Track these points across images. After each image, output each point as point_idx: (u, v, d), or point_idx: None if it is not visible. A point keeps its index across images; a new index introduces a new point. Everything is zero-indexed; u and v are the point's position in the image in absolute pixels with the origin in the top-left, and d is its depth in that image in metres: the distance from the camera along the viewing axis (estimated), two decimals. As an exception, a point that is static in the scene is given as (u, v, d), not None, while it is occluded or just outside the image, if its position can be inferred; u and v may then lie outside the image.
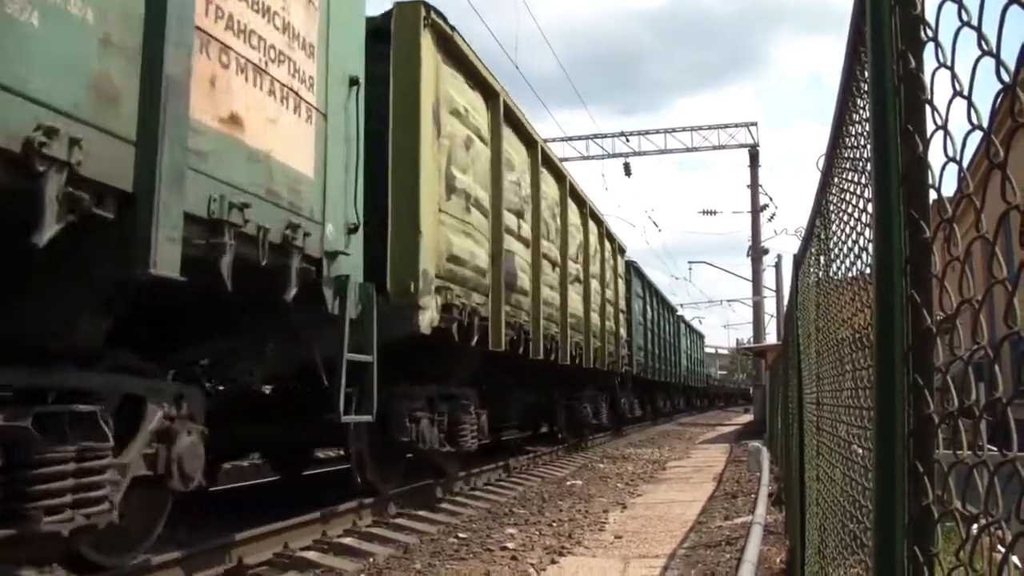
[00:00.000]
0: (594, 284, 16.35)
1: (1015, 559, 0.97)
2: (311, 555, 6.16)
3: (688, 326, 36.02)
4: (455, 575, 5.78)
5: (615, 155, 36.29)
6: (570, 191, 14.20)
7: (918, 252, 1.34)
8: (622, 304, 20.08)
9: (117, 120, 3.54)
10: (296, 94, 5.01)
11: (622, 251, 20.47)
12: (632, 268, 22.86)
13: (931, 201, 1.33)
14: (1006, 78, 0.96)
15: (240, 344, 5.77)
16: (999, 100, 0.99)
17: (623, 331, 20.13)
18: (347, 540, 6.70)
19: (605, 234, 17.97)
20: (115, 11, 3.53)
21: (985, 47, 1.01)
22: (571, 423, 16.53)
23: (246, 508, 7.65)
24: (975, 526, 1.08)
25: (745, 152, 35.99)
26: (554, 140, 34.80)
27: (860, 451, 1.94)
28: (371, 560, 6.17)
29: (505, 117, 10.15)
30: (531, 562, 6.12)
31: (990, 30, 1.00)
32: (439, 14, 7.99)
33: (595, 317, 16.32)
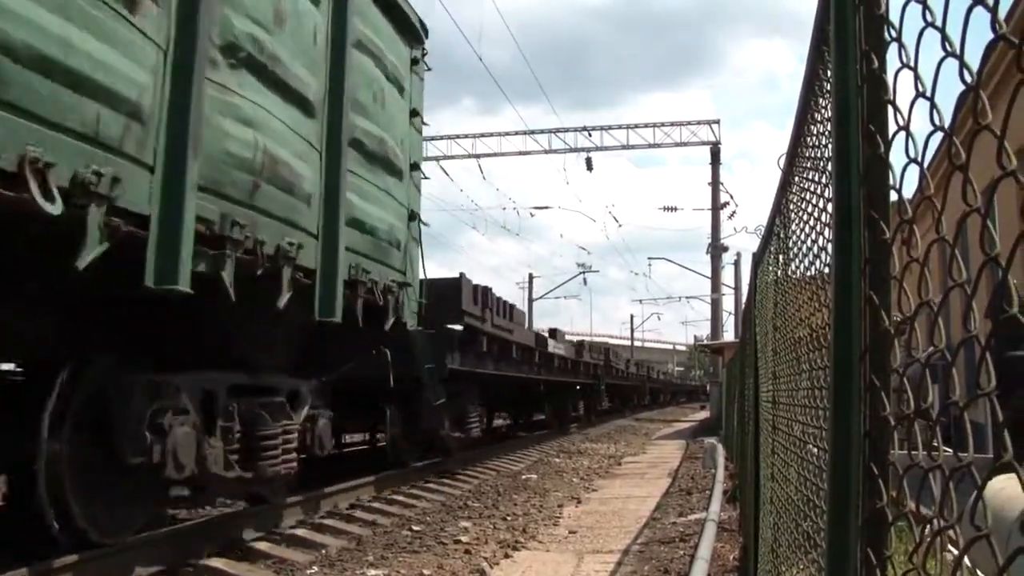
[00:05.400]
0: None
1: (967, 561, 0.96)
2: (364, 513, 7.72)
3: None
4: (408, 568, 5.74)
5: (578, 149, 36.24)
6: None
7: (877, 253, 1.33)
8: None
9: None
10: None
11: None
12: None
13: (891, 202, 1.33)
14: (969, 79, 0.96)
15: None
16: (962, 102, 0.98)
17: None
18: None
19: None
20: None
21: (949, 48, 1.01)
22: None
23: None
24: (928, 529, 1.08)
25: (700, 150, 36.28)
26: (516, 133, 35.01)
27: (815, 451, 1.95)
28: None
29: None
30: (484, 556, 6.11)
31: (954, 31, 1.00)
32: None
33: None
